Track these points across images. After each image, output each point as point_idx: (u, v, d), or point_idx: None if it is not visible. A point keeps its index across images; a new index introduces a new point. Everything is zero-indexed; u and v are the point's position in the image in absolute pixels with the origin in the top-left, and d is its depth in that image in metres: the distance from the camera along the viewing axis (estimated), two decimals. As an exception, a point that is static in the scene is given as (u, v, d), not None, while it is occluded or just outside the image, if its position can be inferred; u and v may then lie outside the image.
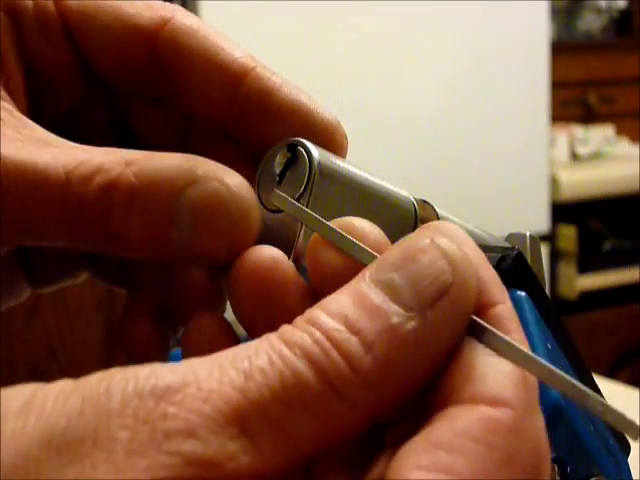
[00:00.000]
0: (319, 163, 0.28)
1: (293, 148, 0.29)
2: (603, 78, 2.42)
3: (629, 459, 0.33)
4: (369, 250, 0.24)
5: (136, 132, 0.33)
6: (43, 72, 0.31)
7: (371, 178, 0.30)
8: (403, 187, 0.32)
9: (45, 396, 0.19)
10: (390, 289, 0.21)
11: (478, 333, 0.21)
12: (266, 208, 0.29)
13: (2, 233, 0.26)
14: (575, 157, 2.19)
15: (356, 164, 0.30)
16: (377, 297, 0.21)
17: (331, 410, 0.20)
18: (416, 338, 0.21)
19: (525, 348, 0.21)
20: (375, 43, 1.57)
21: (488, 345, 0.21)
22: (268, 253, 0.25)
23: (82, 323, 1.60)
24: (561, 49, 2.21)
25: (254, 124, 0.30)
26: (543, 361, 0.21)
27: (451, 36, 1.65)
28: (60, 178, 0.25)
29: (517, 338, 0.22)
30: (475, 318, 0.21)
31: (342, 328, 0.20)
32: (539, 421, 0.21)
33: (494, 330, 0.21)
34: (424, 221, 0.32)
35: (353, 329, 0.20)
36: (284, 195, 0.28)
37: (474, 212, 1.60)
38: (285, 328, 0.21)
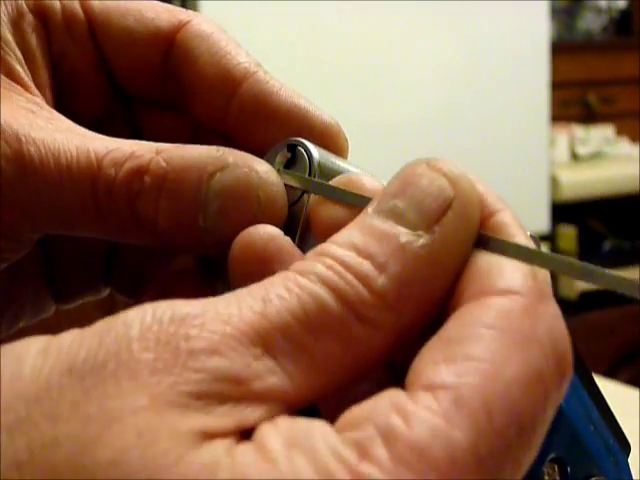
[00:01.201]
0: (319, 163, 0.28)
1: (293, 148, 0.29)
2: (603, 78, 2.42)
3: (629, 459, 0.33)
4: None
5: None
6: (69, 72, 0.31)
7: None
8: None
9: (61, 338, 0.19)
10: (394, 214, 0.21)
11: (485, 244, 0.22)
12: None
13: (35, 218, 0.27)
14: (575, 157, 2.19)
15: (356, 164, 0.30)
16: (383, 223, 0.21)
17: (354, 332, 0.20)
18: (427, 254, 0.21)
19: (532, 246, 0.21)
20: (374, 43, 1.57)
21: (496, 253, 0.21)
22: (263, 230, 0.26)
23: (82, 322, 1.60)
24: (561, 49, 2.21)
25: (252, 127, 0.30)
26: (551, 254, 0.21)
27: (451, 36, 1.65)
28: (91, 163, 0.26)
29: (522, 240, 0.22)
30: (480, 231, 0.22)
31: (353, 254, 0.21)
32: (553, 307, 0.21)
33: (499, 238, 0.21)
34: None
35: (364, 254, 0.21)
36: (287, 172, 0.28)
37: (474, 212, 1.60)
38: (296, 262, 0.21)
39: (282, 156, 0.29)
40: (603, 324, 2.03)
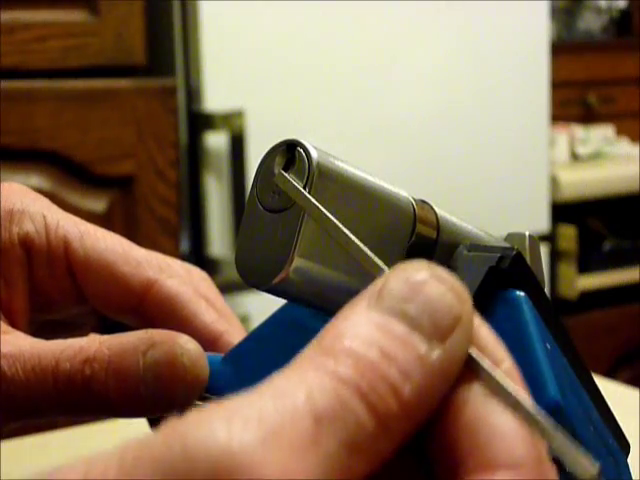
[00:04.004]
0: (318, 163, 0.28)
1: (292, 148, 0.29)
2: (603, 78, 2.42)
3: (629, 459, 0.33)
4: (363, 247, 0.24)
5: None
6: (45, 298, 0.38)
7: (370, 178, 0.30)
8: (402, 187, 0.32)
9: (105, 467, 0.18)
10: (407, 319, 0.21)
11: (470, 364, 0.22)
12: (264, 209, 0.29)
13: (7, 414, 0.34)
14: (575, 157, 2.19)
15: (355, 164, 0.30)
16: (398, 327, 0.21)
17: (380, 447, 0.20)
18: (440, 366, 0.21)
19: (518, 389, 0.22)
20: (374, 42, 1.57)
21: (481, 379, 0.22)
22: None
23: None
24: (561, 49, 2.21)
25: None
26: (524, 403, 0.21)
27: (451, 36, 1.65)
28: (50, 363, 0.33)
29: (507, 367, 0.22)
30: (471, 351, 0.22)
31: (377, 355, 0.21)
32: (552, 473, 0.21)
33: (488, 368, 0.22)
34: (423, 221, 0.32)
35: (389, 358, 0.21)
36: (287, 176, 0.28)
37: (474, 212, 1.60)
38: (327, 362, 0.21)
39: (281, 156, 0.29)
40: (603, 324, 2.03)
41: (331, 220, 0.26)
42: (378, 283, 0.22)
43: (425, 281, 0.22)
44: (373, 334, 0.21)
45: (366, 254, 0.25)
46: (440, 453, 0.21)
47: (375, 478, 0.21)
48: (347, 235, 0.25)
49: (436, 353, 0.21)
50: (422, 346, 0.21)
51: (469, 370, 0.22)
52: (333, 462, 0.19)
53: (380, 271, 0.24)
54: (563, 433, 0.21)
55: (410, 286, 0.22)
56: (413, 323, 0.21)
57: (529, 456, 0.21)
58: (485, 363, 0.22)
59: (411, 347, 0.21)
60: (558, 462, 0.21)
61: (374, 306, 0.22)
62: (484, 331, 0.23)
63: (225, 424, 0.19)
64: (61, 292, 0.38)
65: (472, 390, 0.22)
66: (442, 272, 0.22)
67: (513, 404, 0.21)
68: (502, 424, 0.21)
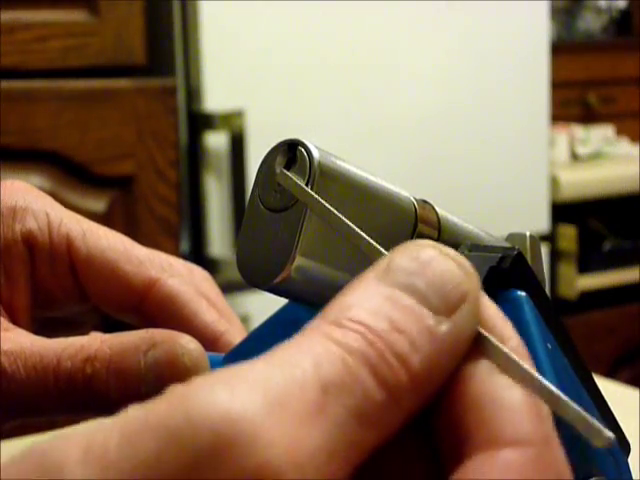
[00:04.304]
0: (319, 163, 0.28)
1: (293, 148, 0.29)
2: (603, 78, 2.42)
3: (629, 459, 0.33)
4: (367, 238, 0.24)
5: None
6: (47, 295, 0.38)
7: (372, 178, 0.30)
8: (403, 187, 0.32)
9: (105, 439, 0.18)
10: (415, 293, 0.21)
11: (479, 343, 0.22)
12: (266, 208, 0.29)
13: (8, 412, 0.34)
14: (575, 157, 2.19)
15: (357, 164, 0.30)
16: (407, 300, 0.21)
17: (388, 419, 0.20)
18: (449, 340, 0.21)
19: (526, 362, 0.22)
20: (374, 42, 1.57)
21: (489, 356, 0.22)
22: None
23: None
24: (561, 49, 2.21)
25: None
26: (537, 375, 0.21)
27: (451, 36, 1.65)
28: (51, 361, 0.33)
29: (514, 344, 0.22)
30: (479, 329, 0.22)
31: (387, 327, 0.21)
32: (559, 452, 0.21)
33: (497, 343, 0.22)
34: (424, 221, 0.32)
35: (397, 328, 0.21)
36: (289, 174, 0.28)
37: (474, 212, 1.60)
38: (334, 332, 0.21)
39: (283, 155, 0.29)
40: (603, 324, 2.03)
41: (334, 214, 0.26)
42: (385, 259, 0.22)
43: (432, 257, 0.22)
44: (382, 306, 0.21)
45: (371, 244, 0.25)
46: (446, 430, 0.21)
47: (381, 455, 0.20)
48: (351, 227, 0.25)
49: (444, 326, 0.21)
50: (430, 319, 0.21)
51: (476, 347, 0.22)
52: (340, 432, 0.19)
53: None
54: (575, 403, 0.20)
55: (417, 261, 0.22)
56: (421, 297, 0.21)
57: (536, 433, 0.20)
58: (493, 338, 0.22)
59: (420, 319, 0.21)
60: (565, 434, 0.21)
61: (382, 279, 0.22)
62: (492, 309, 0.23)
63: (229, 390, 0.18)
64: (63, 290, 0.38)
65: (479, 366, 0.22)
66: (448, 249, 0.22)
67: (522, 377, 0.21)
68: (509, 400, 0.21)
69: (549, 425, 0.21)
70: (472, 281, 0.22)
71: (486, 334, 0.22)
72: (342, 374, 0.19)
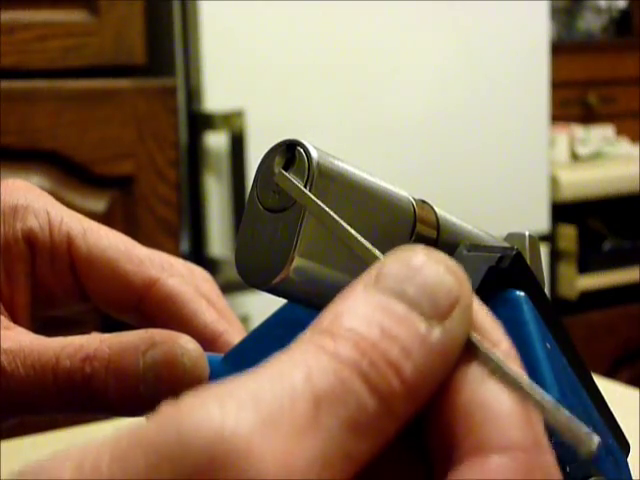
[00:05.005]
0: (318, 163, 0.28)
1: (292, 148, 0.29)
2: (603, 78, 2.42)
3: (629, 459, 0.33)
4: (363, 241, 0.24)
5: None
6: (47, 293, 0.38)
7: (370, 178, 0.30)
8: (403, 187, 0.32)
9: (98, 454, 0.18)
10: (407, 300, 0.21)
11: (470, 348, 0.22)
12: (265, 208, 0.29)
13: (6, 409, 0.34)
14: (575, 157, 2.19)
15: (355, 164, 0.30)
16: (398, 306, 0.21)
17: (382, 428, 0.20)
18: (440, 346, 0.21)
19: (516, 368, 0.22)
20: (373, 43, 1.57)
21: (480, 361, 0.22)
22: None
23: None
24: (561, 49, 2.21)
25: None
26: (525, 381, 0.21)
27: (451, 36, 1.65)
28: (50, 360, 0.33)
29: (505, 348, 0.22)
30: (470, 333, 0.22)
31: (378, 334, 0.20)
32: (549, 457, 0.21)
33: (487, 348, 0.22)
34: (423, 221, 0.32)
35: (390, 336, 0.20)
36: (287, 175, 0.28)
37: (474, 212, 1.60)
38: (326, 342, 0.20)
39: (281, 156, 0.29)
40: (603, 324, 2.03)
41: (331, 216, 0.26)
42: (375, 266, 0.22)
43: (423, 263, 0.22)
44: (373, 314, 0.21)
45: (367, 248, 0.25)
46: (437, 435, 0.21)
47: (374, 462, 0.20)
48: (348, 230, 0.25)
49: (436, 332, 0.21)
50: (422, 325, 0.21)
51: (467, 352, 0.22)
52: (334, 444, 0.19)
53: None
54: (563, 409, 0.20)
55: (408, 268, 0.22)
56: (412, 303, 0.21)
57: (525, 438, 0.20)
58: (483, 343, 0.22)
59: (411, 326, 0.21)
60: (557, 461, 0.21)
61: (372, 287, 0.22)
62: (482, 313, 0.23)
63: (220, 407, 0.18)
64: (63, 288, 0.38)
65: (469, 372, 0.21)
66: (439, 254, 0.22)
67: (511, 382, 0.21)
68: (499, 406, 0.21)
69: (539, 430, 0.21)
70: (463, 286, 0.22)
71: (477, 339, 0.22)
72: (334, 385, 0.19)
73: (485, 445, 0.20)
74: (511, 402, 0.21)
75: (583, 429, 0.20)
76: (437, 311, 0.21)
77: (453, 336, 0.21)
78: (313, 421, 0.19)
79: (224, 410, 0.18)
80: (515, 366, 0.22)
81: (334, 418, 0.19)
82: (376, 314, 0.21)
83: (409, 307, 0.21)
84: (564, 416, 0.20)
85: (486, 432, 0.20)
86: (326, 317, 0.21)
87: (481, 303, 0.23)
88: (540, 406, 0.21)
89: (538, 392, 0.21)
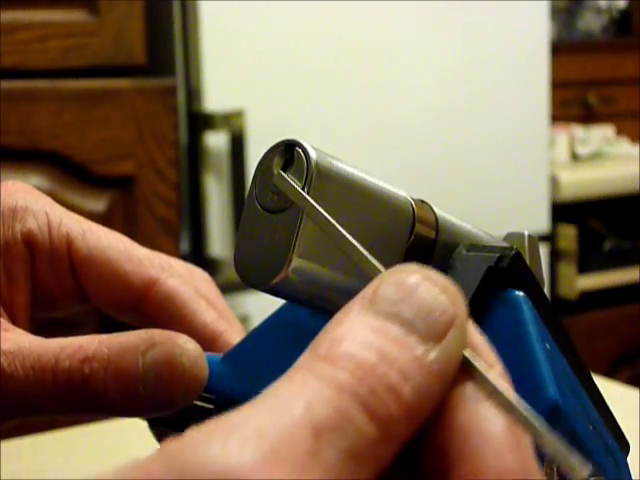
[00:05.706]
0: (316, 164, 0.28)
1: (291, 148, 0.29)
2: (603, 78, 2.42)
3: (629, 459, 0.33)
4: (360, 247, 0.24)
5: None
6: (46, 295, 0.38)
7: (369, 178, 0.30)
8: (403, 187, 0.32)
9: None
10: (402, 322, 0.21)
11: (466, 366, 0.22)
12: (263, 209, 0.29)
13: (5, 410, 0.34)
14: (575, 157, 2.19)
15: (355, 164, 0.30)
16: (394, 329, 0.21)
17: (382, 452, 0.20)
18: (437, 367, 0.21)
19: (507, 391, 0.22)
20: (374, 43, 1.57)
21: (475, 382, 0.22)
22: None
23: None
24: (561, 49, 2.21)
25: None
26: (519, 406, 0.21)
27: (451, 36, 1.65)
28: (50, 360, 0.33)
29: (498, 371, 0.22)
30: (465, 353, 0.22)
31: (378, 360, 0.20)
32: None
33: (482, 370, 0.22)
34: (422, 221, 0.32)
35: (388, 360, 0.20)
36: (286, 177, 0.28)
37: (474, 212, 1.60)
38: (324, 369, 0.20)
39: (280, 156, 0.29)
40: (603, 324, 2.03)
41: (329, 221, 0.26)
42: (370, 288, 0.22)
43: (418, 283, 0.22)
44: (369, 337, 0.21)
45: (363, 255, 0.25)
46: (431, 458, 0.21)
47: None
48: (344, 236, 0.25)
49: (433, 354, 0.21)
50: (419, 347, 0.21)
51: (462, 374, 0.22)
52: (336, 474, 0.19)
53: (377, 272, 0.24)
54: (556, 434, 0.20)
55: (403, 289, 0.22)
56: (408, 325, 0.21)
57: (518, 466, 0.20)
58: (479, 364, 0.22)
59: (408, 348, 0.21)
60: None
61: (367, 310, 0.22)
62: (476, 336, 0.23)
63: (223, 443, 0.18)
64: (63, 290, 0.39)
65: (464, 394, 0.21)
66: (434, 274, 0.22)
67: (506, 405, 0.21)
68: (493, 430, 0.21)
69: (531, 454, 0.21)
70: (458, 306, 0.22)
71: (472, 359, 0.22)
72: (333, 415, 0.19)
73: (479, 471, 0.20)
74: (505, 426, 0.21)
75: (575, 456, 0.20)
76: (433, 332, 0.21)
77: (450, 356, 0.21)
78: (314, 453, 0.19)
79: (227, 446, 0.18)
80: (509, 389, 0.22)
81: (334, 449, 0.19)
82: (372, 337, 0.21)
83: (405, 329, 0.21)
84: (557, 442, 0.20)
85: (481, 458, 0.20)
86: (322, 342, 0.21)
87: (474, 325, 0.23)
88: (534, 430, 0.21)
89: (532, 416, 0.21)
